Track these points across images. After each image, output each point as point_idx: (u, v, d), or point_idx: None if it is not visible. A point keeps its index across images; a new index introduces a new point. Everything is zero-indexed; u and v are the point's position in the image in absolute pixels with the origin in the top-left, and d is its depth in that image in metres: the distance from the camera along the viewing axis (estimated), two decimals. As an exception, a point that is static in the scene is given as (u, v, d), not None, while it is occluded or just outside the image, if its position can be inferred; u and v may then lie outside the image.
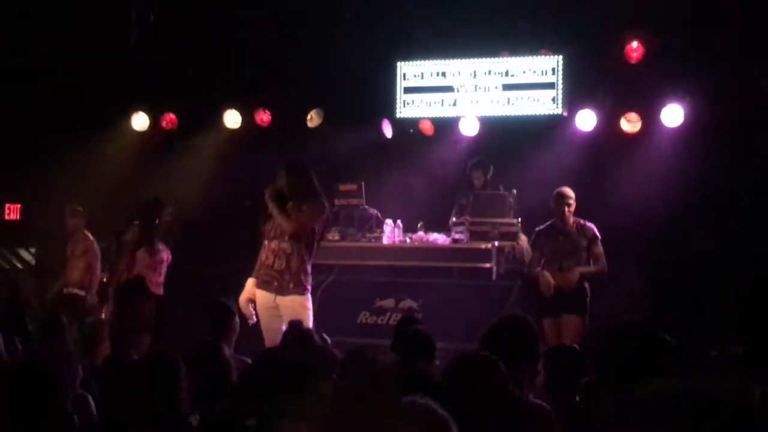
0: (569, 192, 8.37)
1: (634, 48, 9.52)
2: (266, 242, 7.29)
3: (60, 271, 10.22)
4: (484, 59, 10.04)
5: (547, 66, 9.80)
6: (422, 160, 10.53)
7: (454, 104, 10.15)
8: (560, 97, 9.75)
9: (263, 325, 7.23)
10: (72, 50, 10.70)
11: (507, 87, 9.95)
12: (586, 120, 9.81)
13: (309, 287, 7.26)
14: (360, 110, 10.45)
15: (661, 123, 9.55)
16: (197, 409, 4.22)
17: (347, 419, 3.41)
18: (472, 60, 10.06)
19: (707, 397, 3.47)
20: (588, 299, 8.26)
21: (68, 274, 10.11)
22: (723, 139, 9.34)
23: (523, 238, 8.87)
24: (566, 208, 8.31)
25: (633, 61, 9.57)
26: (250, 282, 7.32)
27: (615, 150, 9.79)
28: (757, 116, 9.19)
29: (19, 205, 11.87)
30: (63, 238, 10.31)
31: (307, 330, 5.97)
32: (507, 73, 9.97)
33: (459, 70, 10.10)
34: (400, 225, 9.29)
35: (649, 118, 9.64)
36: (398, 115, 10.38)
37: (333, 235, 9.11)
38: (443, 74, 10.16)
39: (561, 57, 9.76)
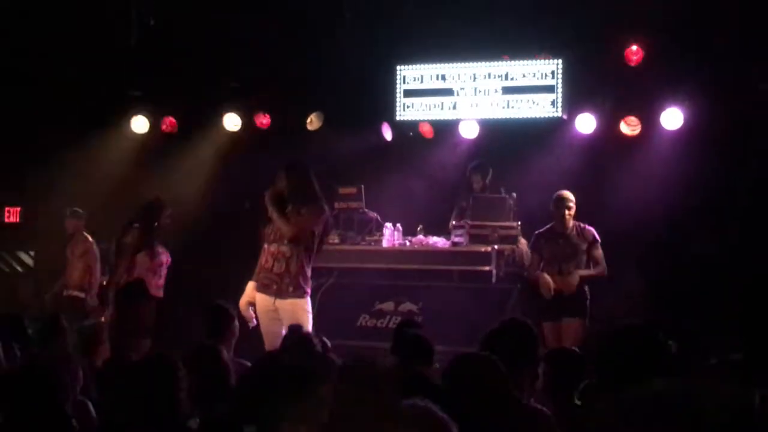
0: (569, 195, 8.37)
1: (634, 51, 9.53)
2: (266, 245, 7.28)
3: (59, 273, 10.23)
4: (483, 62, 10.04)
5: (547, 69, 9.80)
6: (422, 163, 10.54)
7: (454, 107, 10.15)
8: (560, 100, 9.75)
9: (263, 329, 7.23)
10: (72, 52, 10.71)
11: (507, 90, 9.95)
12: (586, 123, 9.82)
13: (308, 290, 7.26)
14: (360, 113, 10.46)
15: (661, 126, 9.56)
16: (196, 411, 4.22)
17: (347, 423, 3.41)
18: (471, 63, 10.06)
19: (707, 398, 3.48)
20: (588, 302, 8.26)
21: (68, 276, 10.13)
22: (722, 142, 9.35)
23: (523, 242, 8.87)
24: (566, 212, 8.31)
25: (632, 64, 9.57)
26: (251, 285, 7.32)
27: (615, 153, 9.80)
28: (756, 119, 9.19)
29: (18, 208, 11.87)
30: (62, 240, 10.33)
31: (307, 334, 5.97)
32: (507, 77, 9.97)
33: (459, 73, 10.10)
34: (400, 228, 9.30)
35: (649, 121, 9.64)
36: (398, 118, 10.38)
37: (333, 238, 9.10)
38: (443, 77, 10.17)
39: (561, 60, 9.76)
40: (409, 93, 10.26)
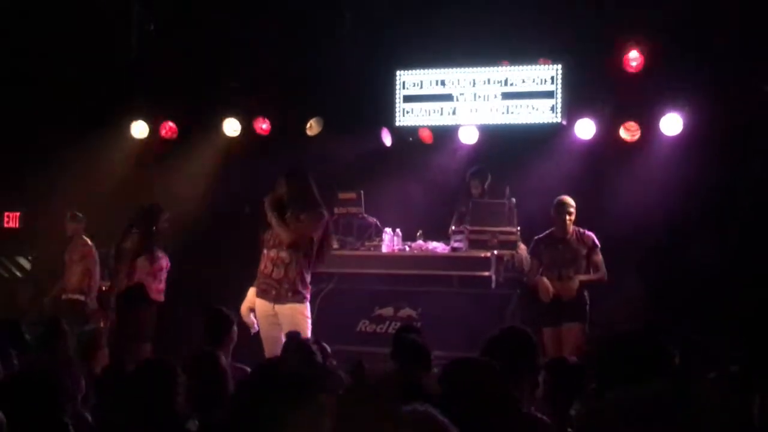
0: (570, 200, 8.37)
1: (633, 57, 9.53)
2: (265, 251, 7.28)
3: (57, 278, 10.23)
4: (483, 68, 10.05)
5: (547, 75, 9.81)
6: (421, 169, 10.54)
7: (454, 113, 10.15)
8: (559, 105, 9.76)
9: (262, 334, 7.23)
10: (73, 58, 10.72)
11: (506, 96, 9.95)
12: (586, 129, 9.82)
13: (308, 296, 7.25)
14: (359, 118, 10.46)
15: (661, 131, 9.56)
16: (195, 415, 4.22)
17: (348, 428, 3.40)
18: (471, 69, 10.06)
19: (706, 400, 3.48)
20: (587, 307, 8.25)
21: (66, 280, 10.13)
22: (722, 146, 9.35)
23: (522, 247, 8.87)
24: (567, 217, 8.31)
25: (632, 70, 9.58)
26: (251, 291, 7.32)
27: (614, 158, 9.81)
28: (756, 124, 9.20)
29: (18, 213, 11.87)
30: (62, 245, 10.33)
31: (306, 340, 5.96)
32: (506, 82, 9.97)
33: (458, 78, 10.11)
34: (399, 233, 9.29)
35: (649, 126, 9.65)
36: (398, 124, 10.39)
37: (332, 244, 9.10)
38: (442, 83, 10.17)
39: (560, 66, 9.77)
40: (408, 98, 10.26)
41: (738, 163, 9.46)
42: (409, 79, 10.27)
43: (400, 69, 10.27)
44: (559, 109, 9.76)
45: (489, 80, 10.02)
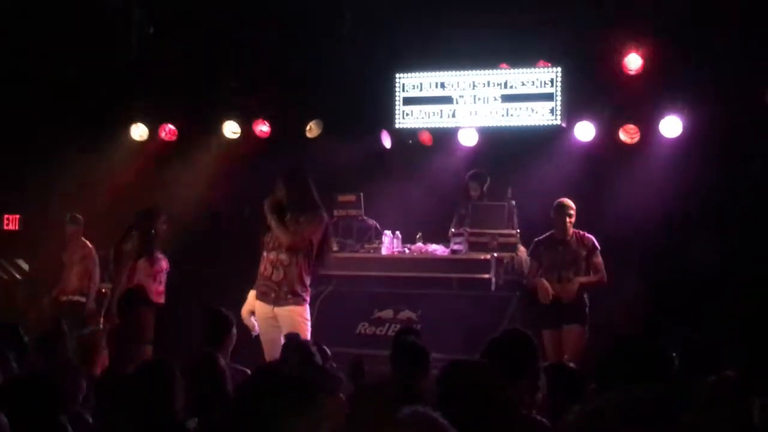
0: (570, 203, 8.38)
1: (633, 59, 9.53)
2: (265, 253, 7.28)
3: (56, 280, 10.24)
4: (483, 70, 10.06)
5: (546, 77, 9.81)
6: (421, 171, 10.54)
7: (453, 115, 10.16)
8: (559, 108, 9.76)
9: (262, 336, 7.23)
10: (73, 58, 10.72)
11: (506, 98, 9.95)
12: (585, 131, 9.83)
13: (307, 298, 7.25)
14: (359, 121, 10.46)
15: (660, 134, 9.57)
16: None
17: (348, 430, 3.40)
18: (471, 71, 10.07)
19: (707, 401, 3.48)
20: (587, 309, 8.25)
21: (65, 281, 10.13)
22: (721, 149, 9.36)
23: (522, 249, 8.87)
24: (567, 219, 8.31)
25: (631, 73, 9.58)
26: (252, 294, 7.32)
27: (614, 161, 9.81)
28: (755, 126, 9.20)
29: (18, 216, 11.87)
30: (61, 247, 10.34)
31: (305, 342, 5.96)
32: (506, 85, 9.97)
33: (458, 81, 10.11)
34: (399, 236, 9.29)
35: (648, 128, 9.65)
36: (397, 126, 10.39)
37: (332, 246, 9.10)
38: (442, 85, 10.17)
39: (560, 68, 9.77)
40: (408, 101, 10.27)
41: (737, 166, 9.46)
42: (408, 82, 10.27)
43: (400, 71, 10.27)
44: (558, 112, 9.77)
45: (488, 83, 10.03)
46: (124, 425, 4.23)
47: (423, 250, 9.24)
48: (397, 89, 10.27)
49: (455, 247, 9.05)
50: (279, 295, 7.13)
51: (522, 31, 9.78)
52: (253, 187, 9.04)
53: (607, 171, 9.82)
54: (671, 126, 9.50)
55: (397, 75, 10.27)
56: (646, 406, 2.43)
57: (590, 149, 9.89)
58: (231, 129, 11.06)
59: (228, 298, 7.48)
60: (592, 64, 9.73)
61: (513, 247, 8.91)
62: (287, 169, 7.51)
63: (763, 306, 8.58)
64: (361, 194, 9.57)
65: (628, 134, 9.75)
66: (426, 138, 10.54)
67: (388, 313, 8.95)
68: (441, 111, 10.19)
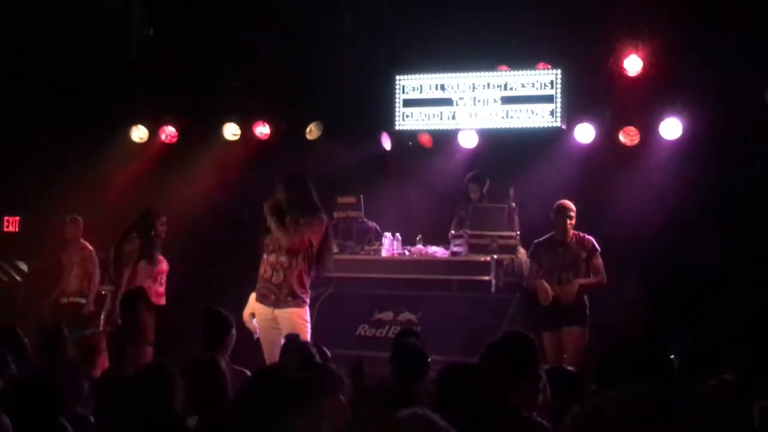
0: (570, 205, 8.38)
1: (633, 61, 9.53)
2: (265, 256, 7.28)
3: (55, 282, 10.24)
4: (483, 72, 10.06)
5: (546, 79, 9.81)
6: (421, 173, 10.54)
7: (453, 117, 10.16)
8: (559, 110, 9.76)
9: (262, 339, 7.23)
10: (73, 58, 10.72)
11: (506, 100, 9.95)
12: (585, 133, 9.83)
13: (307, 300, 7.25)
14: (359, 123, 10.46)
15: (660, 136, 9.57)
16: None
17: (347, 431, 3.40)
18: (471, 73, 10.07)
19: (707, 402, 3.47)
20: (587, 311, 8.25)
21: (65, 283, 10.14)
22: (722, 151, 9.36)
23: (522, 251, 8.87)
24: (568, 221, 8.32)
25: (632, 75, 9.58)
26: (253, 297, 7.32)
27: (614, 163, 9.81)
28: (755, 127, 9.20)
29: (18, 218, 11.87)
30: (61, 249, 10.34)
31: (305, 343, 5.96)
32: (506, 87, 9.97)
33: (458, 83, 10.11)
34: (399, 238, 9.29)
35: (648, 130, 9.65)
36: (397, 128, 10.39)
37: (332, 248, 9.09)
38: (442, 87, 10.17)
39: (560, 70, 9.77)
40: (408, 103, 10.27)
41: (737, 167, 9.46)
42: (408, 84, 10.27)
43: (400, 73, 10.27)
44: (558, 114, 9.77)
45: (488, 84, 10.02)
46: (124, 426, 4.24)
47: (423, 252, 9.23)
48: (397, 91, 10.27)
49: (455, 249, 9.05)
50: (279, 297, 7.14)
51: (522, 33, 9.79)
52: (253, 188, 9.04)
53: (607, 173, 9.82)
54: (671, 128, 9.50)
55: (397, 77, 10.27)
56: (646, 406, 2.43)
57: (590, 151, 9.89)
58: (231, 131, 11.06)
59: (228, 299, 7.48)
60: (593, 65, 9.73)
61: (513, 249, 8.91)
62: (287, 171, 7.52)
63: (763, 307, 8.57)
64: (361, 196, 9.57)
65: (628, 136, 9.76)
66: (426, 140, 10.54)
67: (388, 315, 8.95)
68: (441, 113, 10.19)
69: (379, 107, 10.39)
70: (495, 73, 10.04)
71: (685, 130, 9.45)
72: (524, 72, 9.95)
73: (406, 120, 10.30)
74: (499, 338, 4.35)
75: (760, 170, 9.30)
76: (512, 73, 10.00)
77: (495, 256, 8.76)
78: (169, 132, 11.30)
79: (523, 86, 9.90)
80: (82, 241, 10.27)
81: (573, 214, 8.35)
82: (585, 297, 8.26)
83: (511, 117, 9.94)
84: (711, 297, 8.88)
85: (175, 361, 4.48)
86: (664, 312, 8.92)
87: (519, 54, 9.92)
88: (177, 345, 7.98)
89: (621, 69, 9.57)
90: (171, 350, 7.66)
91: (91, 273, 10.13)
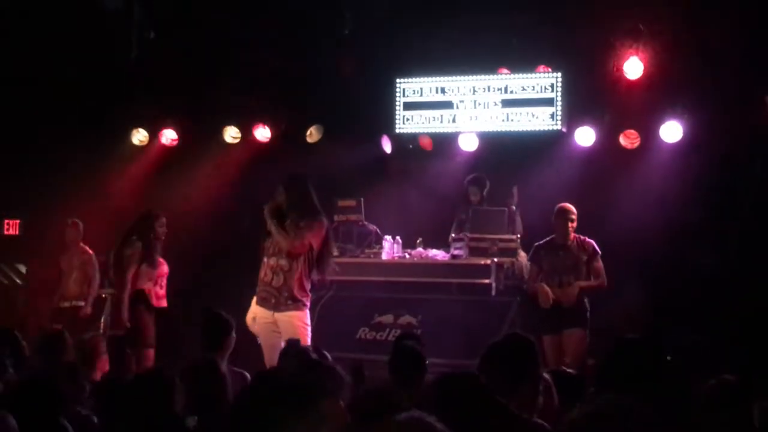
0: (572, 208, 8.38)
1: (633, 64, 9.53)
2: (265, 259, 7.29)
3: (56, 285, 10.24)
4: (483, 75, 10.06)
5: (546, 82, 9.82)
6: (421, 176, 10.54)
7: (454, 120, 10.16)
8: (559, 113, 9.76)
9: (263, 342, 7.24)
10: (73, 58, 10.72)
11: (506, 103, 9.95)
12: (585, 136, 9.83)
13: (307, 303, 7.25)
14: (359, 126, 10.46)
15: (660, 139, 9.57)
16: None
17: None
18: (471, 76, 10.07)
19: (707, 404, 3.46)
20: (588, 314, 8.24)
21: (65, 286, 10.14)
22: (722, 154, 9.36)
23: (522, 254, 8.87)
24: (569, 224, 8.32)
25: (632, 78, 9.58)
26: (255, 300, 7.32)
27: (614, 166, 9.80)
28: (756, 130, 9.20)
29: (18, 221, 11.87)
30: (61, 252, 10.35)
31: (305, 347, 5.96)
32: (506, 90, 9.97)
33: (458, 86, 10.11)
34: (399, 241, 9.29)
35: (648, 133, 9.65)
36: (398, 131, 10.38)
37: (332, 251, 9.09)
38: (442, 90, 10.17)
39: (560, 73, 9.77)
40: (408, 106, 10.26)
41: (737, 170, 9.46)
42: (409, 87, 10.27)
43: (400, 76, 10.27)
44: (558, 117, 9.77)
45: (489, 88, 10.02)
46: (124, 429, 4.24)
47: (423, 255, 9.23)
48: (397, 94, 10.27)
49: (455, 252, 9.05)
50: (279, 300, 7.14)
51: (522, 36, 9.79)
52: (253, 191, 9.05)
53: (607, 176, 9.82)
54: (672, 131, 9.50)
55: (398, 80, 10.27)
56: (646, 408, 2.43)
57: (591, 154, 9.88)
58: (231, 133, 11.06)
59: (228, 301, 7.49)
60: (593, 69, 9.73)
61: (513, 252, 8.90)
62: (287, 174, 7.52)
63: (763, 308, 8.57)
64: (362, 199, 9.57)
65: (628, 139, 9.75)
66: (426, 143, 10.54)
67: (388, 318, 8.95)
68: (441, 116, 10.19)
69: (379, 110, 10.39)
70: (495, 76, 10.05)
71: (685, 133, 9.45)
72: (525, 75, 9.95)
73: (407, 123, 10.31)
74: (500, 340, 4.34)
75: (760, 172, 9.30)
76: (513, 76, 10.00)
77: (495, 259, 8.76)
78: (169, 135, 11.29)
79: (524, 89, 9.91)
80: (82, 245, 10.27)
81: (574, 217, 8.35)
82: (585, 300, 8.25)
83: (512, 120, 9.94)
84: (711, 298, 8.89)
85: (176, 363, 4.48)
86: (665, 313, 8.92)
87: (519, 56, 9.92)
88: (177, 347, 7.99)
89: (621, 72, 9.57)
90: (172, 352, 7.67)
91: (91, 277, 10.14)
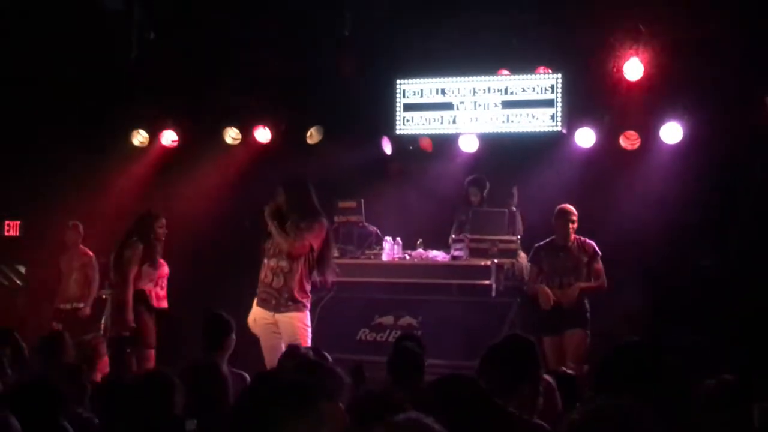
0: (572, 209, 8.38)
1: (633, 65, 9.53)
2: (266, 260, 7.29)
3: (56, 287, 10.24)
4: (483, 77, 10.05)
5: (547, 84, 9.81)
6: (422, 177, 10.54)
7: (454, 121, 10.15)
8: (559, 114, 9.76)
9: (263, 343, 7.24)
10: (73, 58, 10.72)
11: (506, 104, 9.95)
12: (586, 137, 9.83)
13: (308, 304, 7.26)
14: (360, 127, 10.46)
15: (661, 140, 9.57)
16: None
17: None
18: (471, 77, 10.06)
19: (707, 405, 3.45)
20: (588, 314, 8.24)
21: (64, 288, 10.14)
22: (722, 155, 9.36)
23: (523, 255, 8.87)
24: (570, 225, 8.32)
25: (632, 79, 9.58)
26: (256, 302, 7.32)
27: (614, 167, 9.80)
28: (756, 131, 9.20)
29: (18, 222, 11.87)
30: (61, 253, 10.35)
31: (306, 349, 5.96)
32: (506, 91, 9.97)
33: (458, 87, 10.10)
34: (400, 242, 9.29)
35: (649, 134, 9.65)
36: (398, 132, 10.38)
37: (333, 252, 9.09)
38: (443, 91, 10.17)
39: (560, 75, 9.77)
40: (408, 107, 10.26)
41: (738, 171, 9.46)
42: (409, 88, 10.27)
43: (401, 77, 10.26)
44: (559, 118, 9.77)
45: (489, 89, 10.02)
46: (124, 429, 4.24)
47: (423, 256, 9.24)
48: (397, 95, 10.26)
49: (456, 253, 9.05)
50: (279, 301, 7.14)
51: (523, 37, 9.79)
52: (253, 192, 9.04)
53: (607, 177, 9.82)
54: (672, 132, 9.49)
55: (398, 81, 10.27)
56: (646, 408, 2.43)
57: (591, 155, 9.88)
58: (231, 135, 11.06)
59: (228, 302, 7.50)
60: (593, 70, 9.72)
61: (513, 254, 8.90)
62: (288, 175, 7.52)
63: (763, 308, 8.57)
64: (362, 200, 9.57)
65: (628, 140, 9.75)
66: (426, 144, 10.54)
67: (388, 320, 8.95)
68: (441, 117, 10.18)
69: (379, 111, 10.39)
70: (495, 78, 10.04)
71: (685, 135, 9.45)
72: (525, 76, 9.95)
73: (407, 124, 10.30)
74: (500, 341, 4.35)
75: (760, 173, 9.30)
76: (513, 77, 10.00)
77: (495, 260, 8.76)
78: (169, 136, 11.29)
79: (524, 90, 9.90)
80: (82, 246, 10.28)
81: (575, 218, 8.35)
82: (585, 301, 8.26)
83: (512, 121, 9.94)
84: (711, 298, 8.89)
85: (176, 364, 4.48)
86: (665, 314, 8.92)
87: (519, 56, 9.92)
88: (178, 348, 7.99)
89: (621, 73, 9.57)
90: (172, 353, 7.67)
91: (91, 278, 10.15)
